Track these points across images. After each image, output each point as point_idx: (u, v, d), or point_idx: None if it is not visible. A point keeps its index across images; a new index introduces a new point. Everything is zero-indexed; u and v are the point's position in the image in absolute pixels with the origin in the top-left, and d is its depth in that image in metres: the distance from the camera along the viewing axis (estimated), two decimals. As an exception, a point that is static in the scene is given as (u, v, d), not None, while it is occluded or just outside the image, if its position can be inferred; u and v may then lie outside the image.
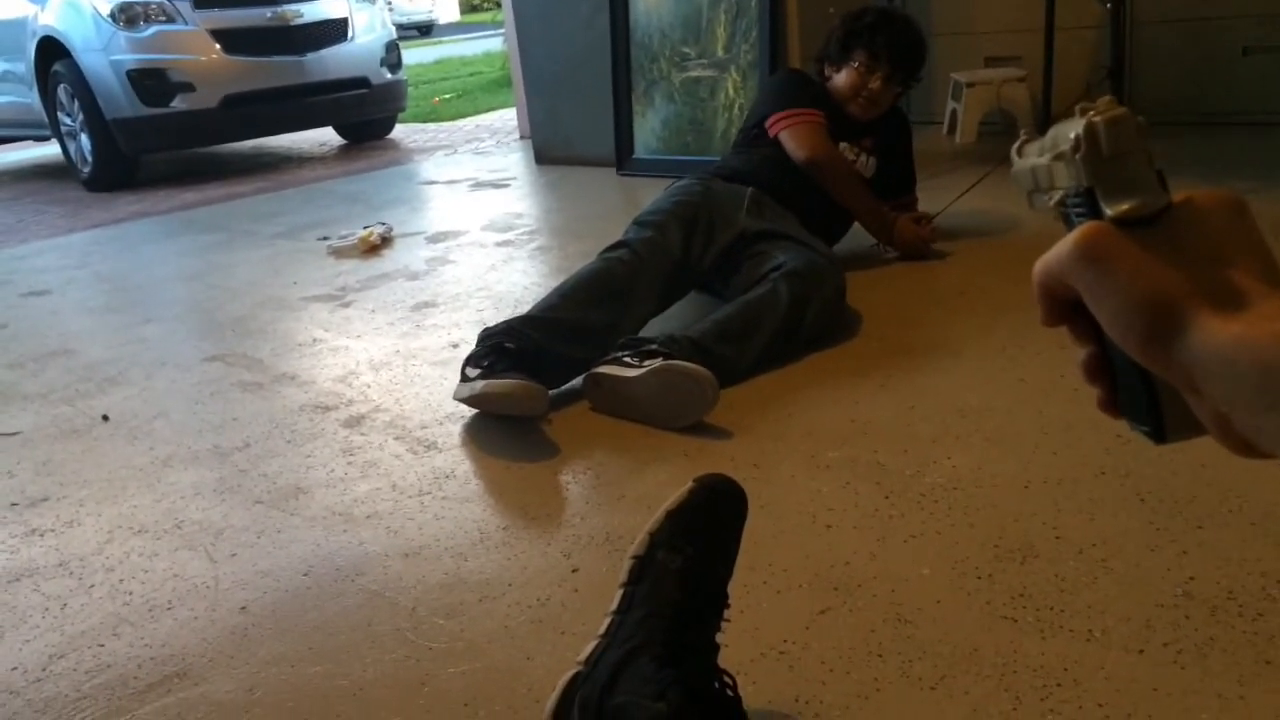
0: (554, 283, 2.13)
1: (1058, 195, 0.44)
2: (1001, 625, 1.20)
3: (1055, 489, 1.49)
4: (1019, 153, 0.48)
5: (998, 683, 1.10)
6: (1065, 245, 0.41)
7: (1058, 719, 1.04)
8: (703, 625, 1.04)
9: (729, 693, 1.01)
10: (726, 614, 1.06)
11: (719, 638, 1.05)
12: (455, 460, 1.81)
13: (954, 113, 4.37)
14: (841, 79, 2.67)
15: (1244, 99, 3.90)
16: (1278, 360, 0.35)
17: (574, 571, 1.42)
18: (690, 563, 1.05)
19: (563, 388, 2.02)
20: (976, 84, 4.24)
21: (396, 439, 1.93)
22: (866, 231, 2.71)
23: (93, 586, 1.53)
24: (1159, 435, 0.42)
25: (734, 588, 1.09)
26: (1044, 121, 3.87)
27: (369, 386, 2.23)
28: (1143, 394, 0.42)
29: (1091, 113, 0.41)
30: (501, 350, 1.92)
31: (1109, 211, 0.41)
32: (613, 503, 1.61)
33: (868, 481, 1.58)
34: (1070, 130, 0.42)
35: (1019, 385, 1.83)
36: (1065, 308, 0.43)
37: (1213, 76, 3.96)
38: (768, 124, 2.61)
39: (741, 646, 1.19)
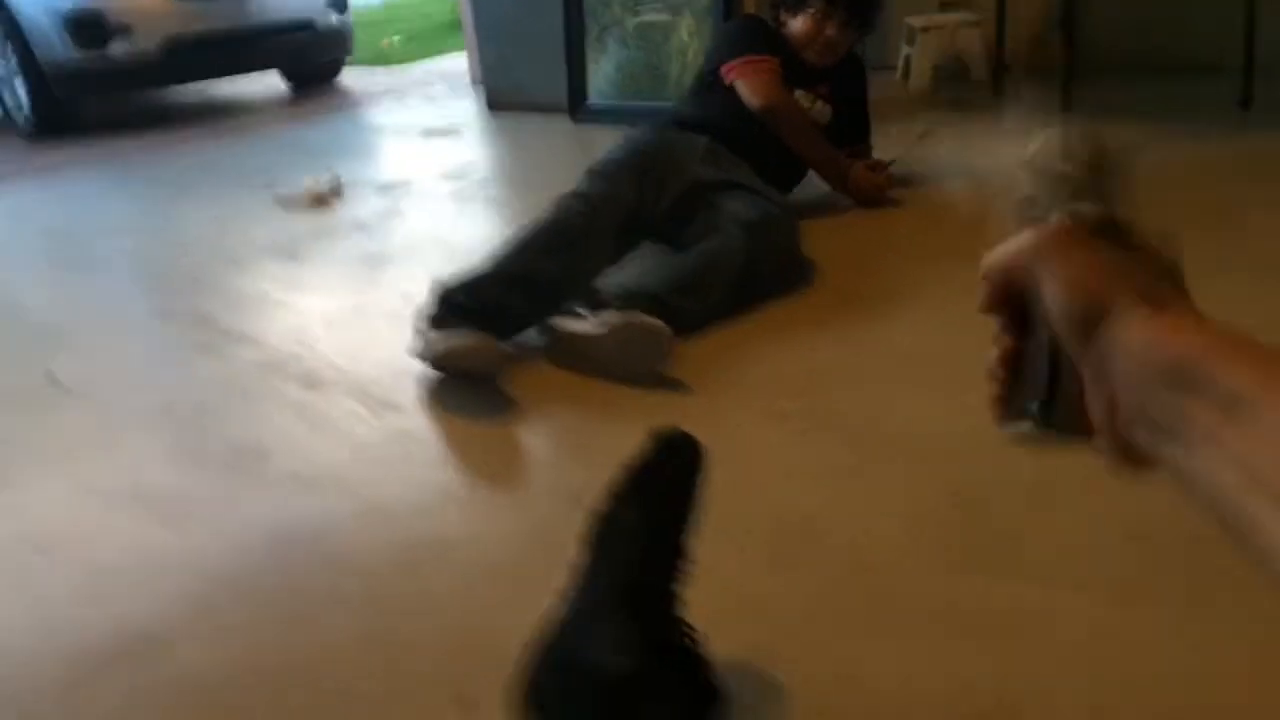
0: (508, 234, 2.11)
1: (1022, 196, 0.48)
2: (961, 573, 1.23)
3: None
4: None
5: (959, 627, 1.14)
6: (1031, 238, 0.46)
7: (1020, 662, 1.08)
8: (664, 579, 1.06)
9: (692, 645, 1.04)
10: (689, 569, 1.08)
11: (681, 591, 1.07)
12: (414, 419, 1.81)
13: (908, 58, 4.36)
14: (798, 25, 2.65)
15: (1194, 46, 3.93)
16: (1175, 350, 0.40)
17: (534, 528, 1.43)
18: (650, 517, 1.07)
19: (518, 340, 2.01)
20: (930, 29, 4.23)
21: (354, 398, 1.92)
22: (822, 180, 2.72)
23: (49, 554, 1.51)
24: (1046, 415, 0.47)
25: (695, 541, 1.11)
26: (997, 64, 3.88)
27: (323, 344, 2.21)
28: (1044, 382, 0.47)
29: (1055, 133, 0.46)
30: (458, 307, 1.91)
31: (1066, 216, 0.46)
32: (572, 459, 1.62)
33: (826, 430, 1.60)
34: (1039, 143, 0.47)
35: (975, 331, 1.86)
36: (1005, 297, 0.48)
37: (1163, 23, 3.98)
38: (723, 71, 2.59)
39: (704, 599, 1.21)
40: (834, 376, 1.78)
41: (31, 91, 5.60)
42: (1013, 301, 0.48)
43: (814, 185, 2.75)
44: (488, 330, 1.84)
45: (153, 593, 1.39)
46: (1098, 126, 0.47)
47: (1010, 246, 0.47)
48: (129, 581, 1.42)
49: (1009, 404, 0.50)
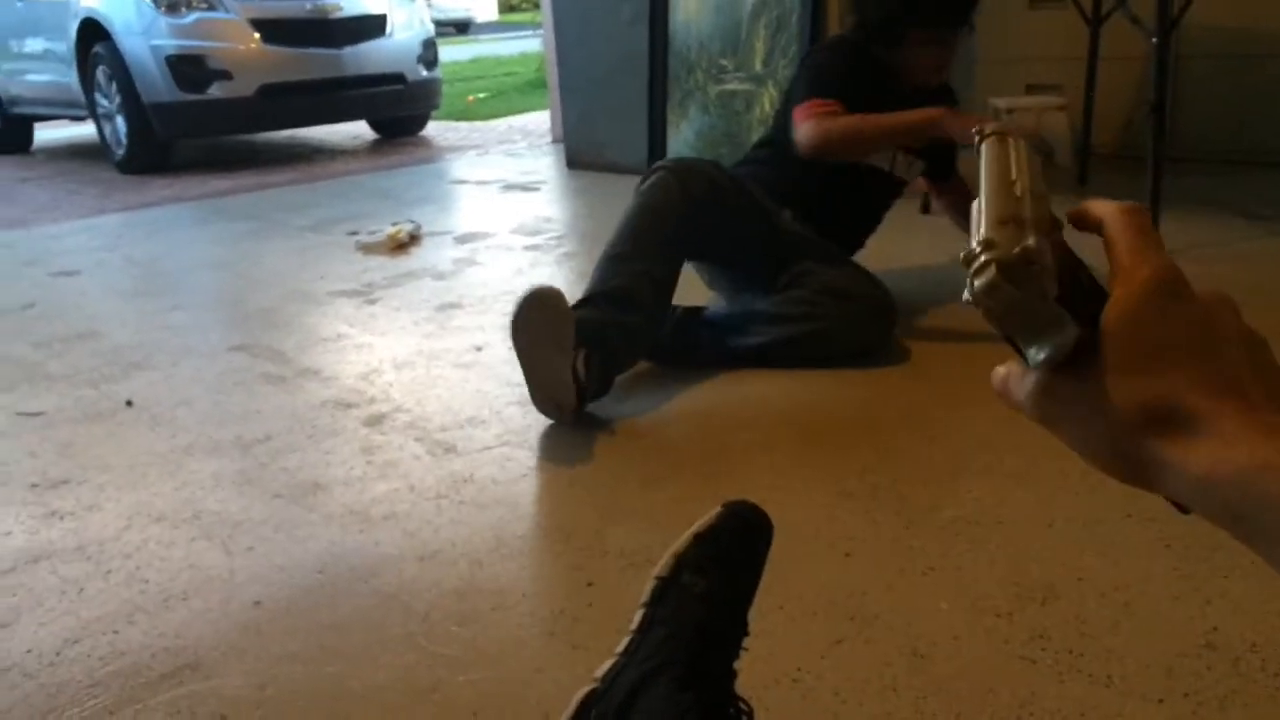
0: (579, 289, 2.12)
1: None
2: (1019, 665, 1.18)
3: (1079, 529, 1.47)
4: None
5: (1014, 725, 1.09)
6: (1022, 395, 0.41)
7: (1074, 766, 1.03)
8: (723, 651, 1.03)
9: (745, 719, 1.01)
10: (745, 642, 1.05)
11: (736, 665, 1.04)
12: (474, 465, 1.81)
13: (989, 139, 4.34)
14: (904, 60, 2.35)
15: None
16: (1241, 499, 0.33)
17: (588, 585, 1.42)
18: (714, 587, 1.04)
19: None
20: (1016, 110, 4.21)
21: (416, 440, 1.93)
22: (908, 141, 2.32)
23: (109, 572, 1.53)
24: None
25: (751, 613, 1.08)
26: (1084, 150, 3.84)
27: (391, 385, 2.23)
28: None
29: (974, 267, 0.38)
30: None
31: (1032, 361, 0.40)
32: (629, 518, 1.60)
33: (888, 510, 1.56)
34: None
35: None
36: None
37: (1258, 114, 3.92)
38: (794, 115, 2.29)
39: (755, 672, 1.18)
40: (900, 456, 1.75)
41: (131, 128, 5.85)
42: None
43: (928, 274, 2.72)
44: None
45: (205, 617, 1.40)
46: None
47: (1012, 390, 0.42)
48: (182, 603, 1.43)
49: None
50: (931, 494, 1.60)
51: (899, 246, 2.99)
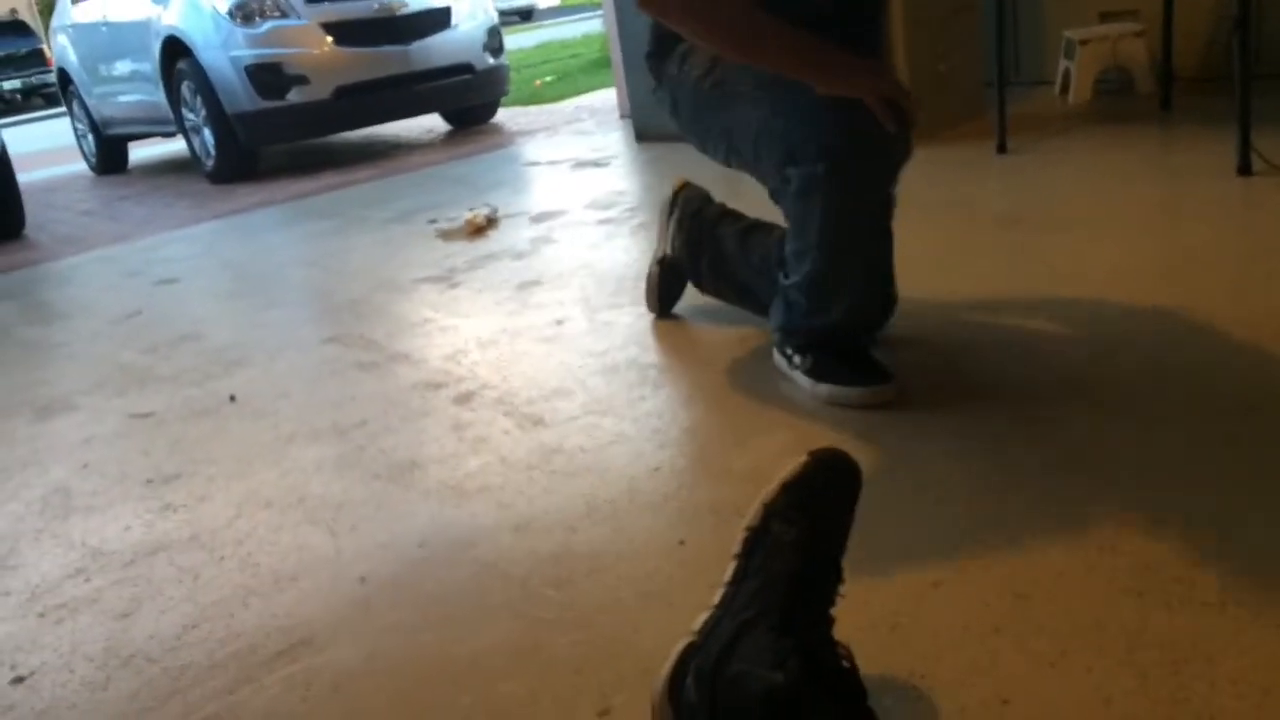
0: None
1: None
2: (1126, 599, 1.15)
3: (1180, 462, 1.42)
4: None
5: (1122, 659, 1.06)
6: None
7: (1188, 696, 1.00)
8: (818, 598, 1.03)
9: (846, 664, 1.00)
10: (841, 589, 1.05)
11: (833, 611, 1.04)
12: (562, 435, 1.83)
13: (1066, 71, 4.19)
14: None
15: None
16: None
17: (680, 544, 1.42)
18: (805, 535, 1.04)
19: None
20: (1091, 40, 4.05)
21: (505, 415, 1.96)
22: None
23: (223, 559, 1.60)
24: None
25: (845, 559, 1.07)
26: (1165, 75, 3.68)
27: (477, 364, 2.27)
28: None
29: None
30: None
31: None
32: (718, 476, 1.60)
33: (979, 454, 1.53)
34: None
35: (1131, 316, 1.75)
36: None
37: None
38: None
39: (852, 618, 1.17)
40: (989, 394, 1.71)
41: (218, 139, 6.05)
42: None
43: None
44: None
45: (315, 595, 1.45)
46: None
47: None
48: (292, 584, 1.49)
49: None
50: (1027, 431, 1.56)
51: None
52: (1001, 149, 3.38)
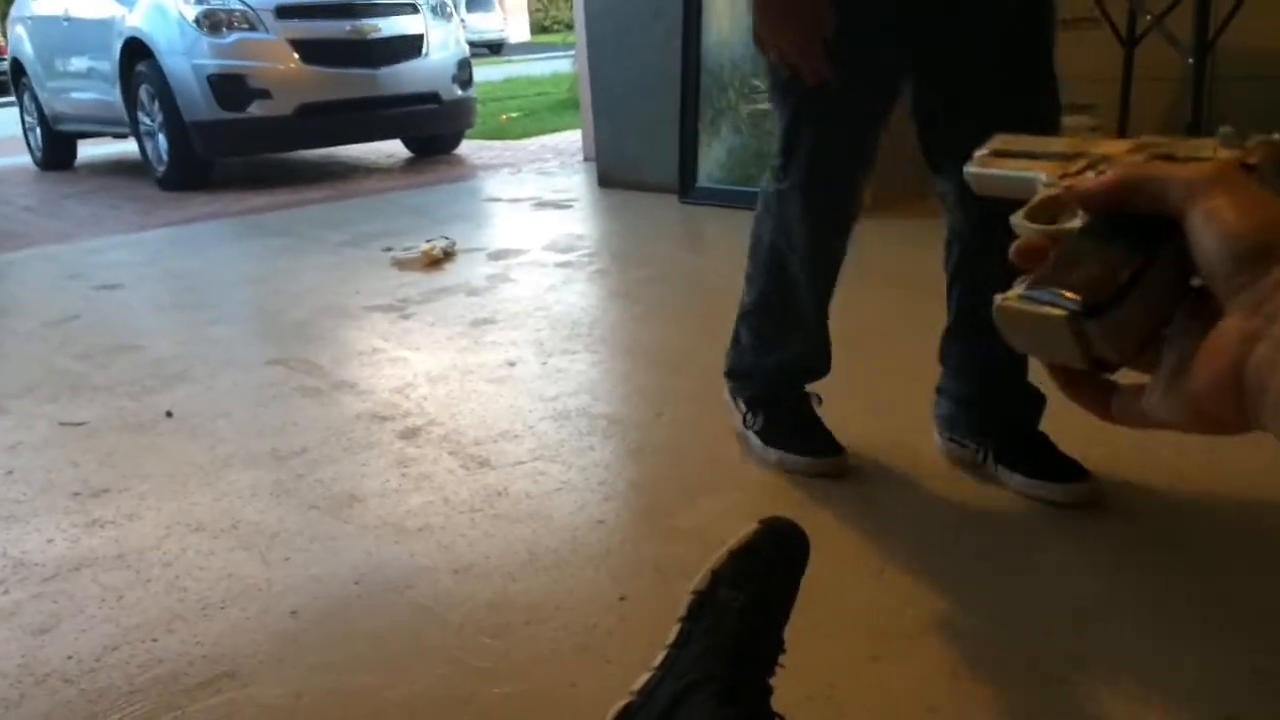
0: (610, 305, 2.13)
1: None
2: (1055, 685, 1.17)
3: (1116, 553, 1.46)
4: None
5: (1053, 746, 1.08)
6: (1197, 167, 0.40)
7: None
8: (760, 666, 1.03)
9: (782, 736, 1.00)
10: (781, 659, 1.05)
11: (771, 681, 1.04)
12: (507, 479, 1.82)
13: (1023, 158, 4.33)
14: None
15: None
16: None
17: (621, 599, 1.42)
18: (752, 603, 1.04)
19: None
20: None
21: (450, 454, 1.95)
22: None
23: (149, 580, 1.55)
24: (1092, 314, 0.38)
25: (786, 629, 1.08)
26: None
27: (425, 399, 2.25)
28: (1112, 289, 0.38)
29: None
30: None
31: (1261, 145, 0.41)
32: (663, 532, 1.60)
33: (927, 530, 1.55)
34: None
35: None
36: (1116, 203, 0.41)
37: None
38: None
39: (789, 688, 1.17)
40: (937, 472, 1.74)
41: (172, 146, 5.95)
42: (1116, 206, 0.40)
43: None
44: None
45: (243, 626, 1.41)
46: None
47: (1164, 168, 0.40)
48: (220, 612, 1.45)
49: (1038, 281, 0.40)
50: (968, 512, 1.59)
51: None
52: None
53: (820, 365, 1.87)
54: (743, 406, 1.88)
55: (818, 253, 1.72)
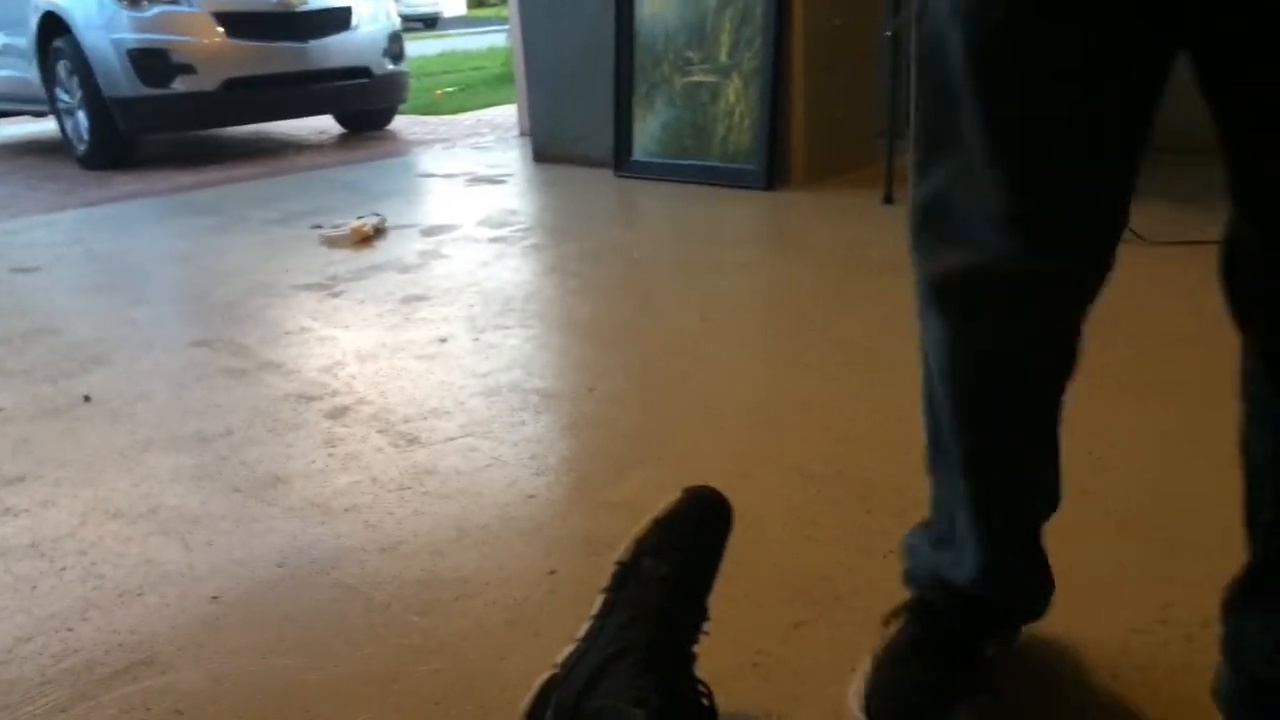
0: (545, 280, 2.11)
1: None
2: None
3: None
4: None
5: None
6: None
7: (1032, 743, 1.03)
8: (683, 635, 1.03)
9: (706, 702, 1.00)
10: (705, 626, 1.05)
11: (695, 649, 1.04)
12: (437, 456, 1.79)
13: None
14: None
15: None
16: None
17: (551, 573, 1.41)
18: (675, 572, 1.05)
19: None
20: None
21: (379, 432, 1.92)
22: None
23: (64, 569, 1.51)
24: None
25: (711, 597, 1.08)
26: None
27: (354, 378, 2.21)
28: None
29: None
30: None
31: None
32: (593, 506, 1.59)
33: (851, 495, 1.57)
34: None
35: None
36: None
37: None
38: None
39: (716, 656, 1.18)
40: (864, 441, 1.75)
41: (93, 124, 5.77)
42: None
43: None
44: None
45: (161, 612, 1.38)
46: None
47: None
48: (138, 599, 1.41)
49: None
50: (894, 476, 1.61)
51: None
52: (888, 200, 3.49)
53: None
54: None
55: None
